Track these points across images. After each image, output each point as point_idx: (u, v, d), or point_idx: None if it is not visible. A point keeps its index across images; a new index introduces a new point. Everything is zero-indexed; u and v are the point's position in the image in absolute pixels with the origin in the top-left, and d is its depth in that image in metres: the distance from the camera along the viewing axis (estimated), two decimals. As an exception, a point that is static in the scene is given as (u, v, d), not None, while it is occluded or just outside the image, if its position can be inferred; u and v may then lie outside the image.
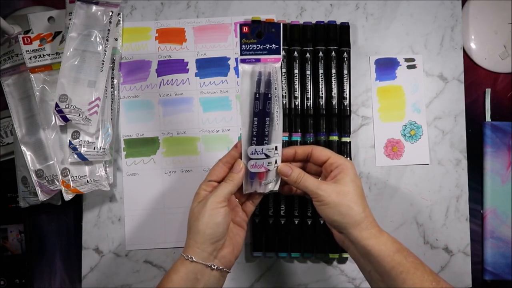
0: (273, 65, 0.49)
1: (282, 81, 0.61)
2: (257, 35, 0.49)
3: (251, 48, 0.49)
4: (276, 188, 0.52)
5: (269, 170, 0.50)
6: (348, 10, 0.66)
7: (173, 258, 0.63)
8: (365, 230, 0.47)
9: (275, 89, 0.49)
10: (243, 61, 0.49)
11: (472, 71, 0.67)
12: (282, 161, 0.51)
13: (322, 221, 0.61)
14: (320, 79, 0.63)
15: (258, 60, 0.49)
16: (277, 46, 0.49)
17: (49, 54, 0.61)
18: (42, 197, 0.60)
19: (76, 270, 0.64)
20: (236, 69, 0.65)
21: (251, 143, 0.50)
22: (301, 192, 0.52)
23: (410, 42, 0.66)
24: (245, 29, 0.49)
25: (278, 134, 0.50)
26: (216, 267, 0.48)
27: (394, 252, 0.46)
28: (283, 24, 0.63)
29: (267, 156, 0.50)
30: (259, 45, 0.49)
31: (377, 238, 0.47)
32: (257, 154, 0.50)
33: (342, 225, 0.48)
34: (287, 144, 0.62)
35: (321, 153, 0.51)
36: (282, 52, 0.52)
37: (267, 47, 0.49)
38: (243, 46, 0.49)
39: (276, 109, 0.49)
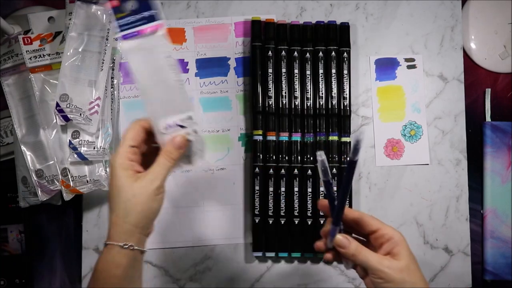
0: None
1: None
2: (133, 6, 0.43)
3: (128, 22, 0.43)
4: (202, 160, 0.47)
5: (189, 140, 0.44)
6: (348, 10, 0.66)
7: (173, 258, 0.63)
8: None
9: None
10: (124, 37, 0.43)
11: (472, 71, 0.67)
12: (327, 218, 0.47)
13: (322, 221, 0.61)
14: (320, 79, 0.63)
15: (139, 33, 0.43)
16: (152, 12, 0.43)
17: (49, 54, 0.61)
18: (42, 197, 0.60)
19: (76, 270, 0.64)
20: (236, 69, 0.65)
21: None
22: (352, 264, 0.48)
23: (410, 42, 0.66)
24: (114, 3, 0.43)
25: (185, 99, 0.44)
26: (145, 250, 0.44)
27: None
28: (283, 24, 0.64)
29: (183, 127, 0.44)
30: (135, 16, 0.43)
31: None
32: (171, 128, 0.44)
33: None
34: (286, 144, 0.62)
35: (370, 222, 0.46)
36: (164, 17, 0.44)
37: (144, 16, 0.43)
38: (118, 21, 0.43)
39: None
